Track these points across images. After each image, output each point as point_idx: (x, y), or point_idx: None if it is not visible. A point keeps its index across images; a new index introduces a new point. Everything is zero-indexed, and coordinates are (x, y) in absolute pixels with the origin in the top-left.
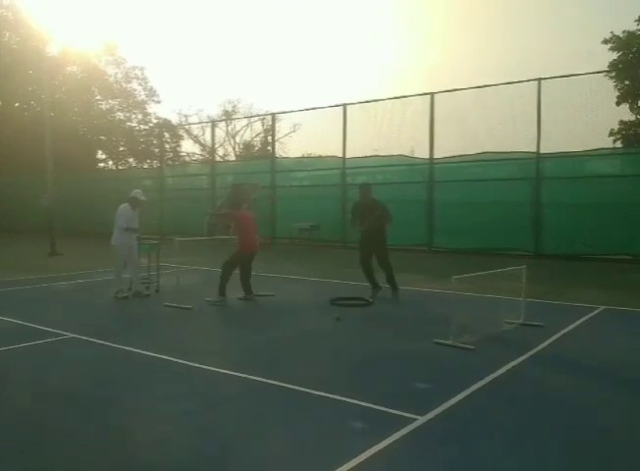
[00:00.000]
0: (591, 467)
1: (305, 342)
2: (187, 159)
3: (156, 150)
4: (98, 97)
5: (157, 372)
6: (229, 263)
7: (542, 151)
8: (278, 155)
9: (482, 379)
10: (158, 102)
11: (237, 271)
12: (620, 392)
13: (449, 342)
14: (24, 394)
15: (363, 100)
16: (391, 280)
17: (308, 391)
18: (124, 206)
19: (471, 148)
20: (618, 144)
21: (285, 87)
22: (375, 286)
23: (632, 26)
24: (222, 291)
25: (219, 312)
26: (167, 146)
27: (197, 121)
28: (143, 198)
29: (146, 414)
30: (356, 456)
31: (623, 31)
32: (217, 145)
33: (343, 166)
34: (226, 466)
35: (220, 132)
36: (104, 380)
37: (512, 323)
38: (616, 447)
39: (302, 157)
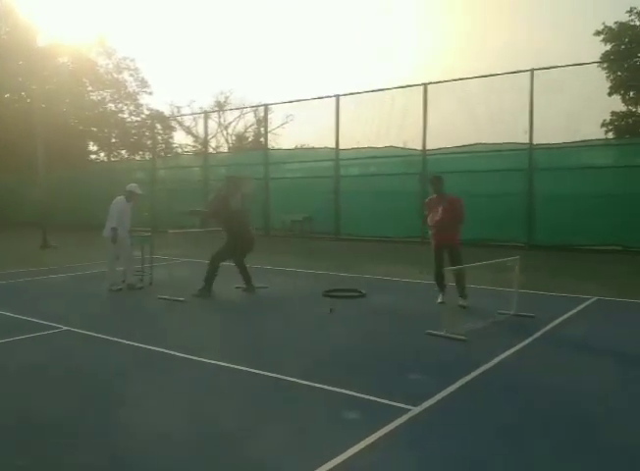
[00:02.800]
0: (588, 458)
1: (299, 334)
2: (180, 151)
3: (148, 142)
4: (89, 88)
5: (151, 364)
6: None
7: (535, 142)
8: (271, 146)
9: (475, 369)
10: (150, 93)
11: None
12: (613, 381)
13: (441, 333)
14: (17, 389)
15: (356, 91)
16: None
17: (302, 382)
18: (119, 199)
19: (464, 139)
20: (611, 135)
21: (277, 78)
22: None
23: (624, 18)
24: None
25: (212, 304)
26: (159, 138)
27: (189, 112)
28: (140, 192)
29: (140, 407)
30: (351, 447)
31: (615, 22)
32: (209, 137)
33: (336, 157)
34: (223, 459)
35: (212, 124)
36: (98, 373)
37: (505, 314)
38: (613, 438)
39: (295, 148)
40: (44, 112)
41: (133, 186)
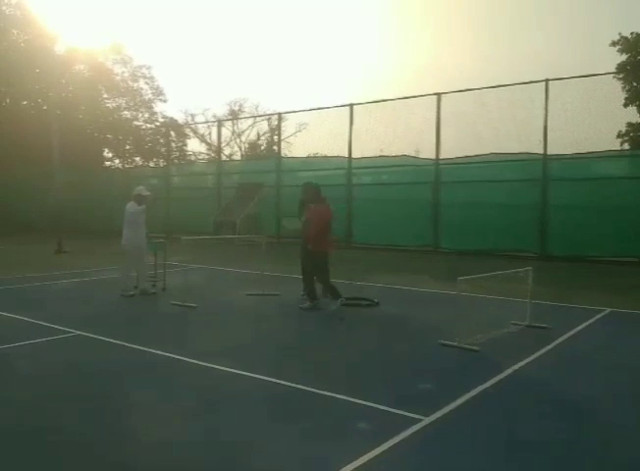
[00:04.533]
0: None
1: (309, 342)
2: (194, 158)
3: (162, 149)
4: (105, 96)
5: (162, 370)
6: (316, 268)
7: (549, 152)
8: (284, 155)
9: (487, 380)
10: (165, 101)
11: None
12: (626, 394)
13: (454, 344)
14: (29, 392)
15: (370, 100)
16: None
17: (313, 390)
18: (130, 204)
19: (478, 149)
20: (626, 146)
21: (291, 87)
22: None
23: None
24: (313, 296)
25: (224, 311)
26: (173, 145)
27: (204, 120)
28: (147, 193)
29: (150, 413)
30: (361, 456)
31: (631, 33)
32: (223, 144)
33: (349, 166)
34: (229, 466)
35: (226, 132)
36: (110, 378)
37: (518, 324)
38: (622, 452)
39: (308, 157)
40: (60, 119)
41: (140, 189)
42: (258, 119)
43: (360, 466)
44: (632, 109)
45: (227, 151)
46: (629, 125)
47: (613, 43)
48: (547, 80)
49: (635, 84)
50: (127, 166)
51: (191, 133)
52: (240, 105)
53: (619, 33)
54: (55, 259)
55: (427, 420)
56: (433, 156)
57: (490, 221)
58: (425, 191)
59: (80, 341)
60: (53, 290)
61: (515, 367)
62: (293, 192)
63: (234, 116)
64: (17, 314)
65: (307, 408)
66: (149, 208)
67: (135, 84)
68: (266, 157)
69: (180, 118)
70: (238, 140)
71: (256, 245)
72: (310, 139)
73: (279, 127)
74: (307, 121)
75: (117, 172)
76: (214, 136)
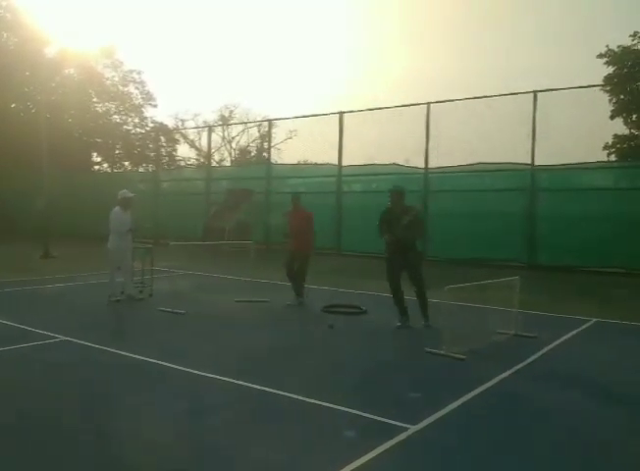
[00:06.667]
0: None
1: (298, 350)
2: (183, 163)
3: (152, 154)
4: (95, 100)
5: (149, 377)
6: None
7: (537, 163)
8: (274, 161)
9: (473, 389)
10: (155, 106)
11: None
12: (611, 405)
13: (441, 352)
14: (13, 398)
15: (360, 108)
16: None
17: (300, 398)
18: (116, 210)
19: (467, 159)
20: (613, 158)
21: (282, 94)
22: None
23: (627, 42)
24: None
25: (212, 317)
26: (163, 150)
27: (194, 125)
28: (130, 195)
29: (137, 420)
30: (348, 465)
31: (618, 46)
32: (213, 150)
33: (338, 173)
34: None
35: (216, 138)
36: (95, 384)
37: (505, 334)
38: (607, 463)
39: (298, 164)
40: (49, 122)
41: (123, 193)
42: (249, 125)
43: None
44: (618, 121)
45: (216, 157)
46: (615, 136)
47: (601, 55)
48: (535, 92)
49: (622, 97)
50: (115, 170)
51: (181, 139)
52: (231, 111)
53: (607, 46)
54: (42, 263)
55: (413, 428)
56: (422, 165)
57: (478, 230)
58: (414, 200)
59: (65, 347)
60: (38, 295)
61: (502, 376)
62: (282, 199)
63: (224, 122)
64: (0, 319)
65: (293, 416)
66: (136, 212)
67: (126, 89)
68: (256, 163)
69: (170, 123)
70: (228, 146)
71: (245, 252)
72: (300, 146)
73: (269, 133)
74: (298, 128)
75: (105, 176)
76: (204, 142)
